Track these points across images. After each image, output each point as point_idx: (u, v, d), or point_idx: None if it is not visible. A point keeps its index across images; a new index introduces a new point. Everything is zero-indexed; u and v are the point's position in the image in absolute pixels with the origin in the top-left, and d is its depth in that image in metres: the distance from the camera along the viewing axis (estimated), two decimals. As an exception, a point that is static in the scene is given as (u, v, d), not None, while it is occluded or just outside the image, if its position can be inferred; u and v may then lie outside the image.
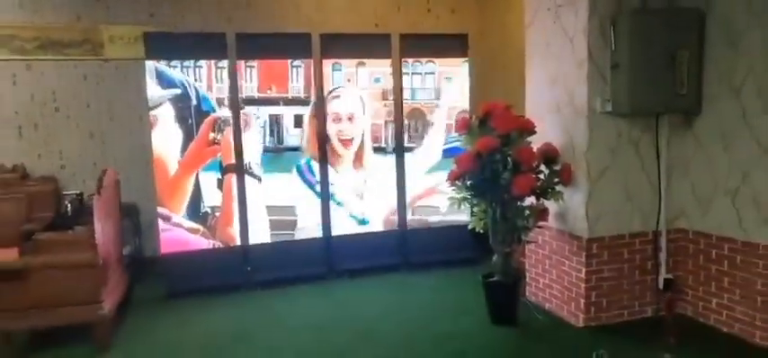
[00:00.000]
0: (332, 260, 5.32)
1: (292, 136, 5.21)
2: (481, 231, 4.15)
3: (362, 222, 5.37)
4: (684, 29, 3.77)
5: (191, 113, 4.91)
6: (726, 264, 3.76)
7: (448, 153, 5.37)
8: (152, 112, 4.81)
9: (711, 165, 3.85)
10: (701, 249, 3.94)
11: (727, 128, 3.72)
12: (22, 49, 5.37)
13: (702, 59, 3.82)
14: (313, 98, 5.22)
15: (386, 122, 5.46)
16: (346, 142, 5.30)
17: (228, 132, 4.98)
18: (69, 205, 5.19)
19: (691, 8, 3.81)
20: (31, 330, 3.93)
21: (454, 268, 5.31)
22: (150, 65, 4.80)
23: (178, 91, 4.86)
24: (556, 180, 3.97)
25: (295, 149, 5.20)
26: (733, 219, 3.70)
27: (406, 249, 5.50)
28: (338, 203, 5.31)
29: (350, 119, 5.30)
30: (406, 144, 5.47)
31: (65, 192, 5.32)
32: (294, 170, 5.20)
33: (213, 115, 4.94)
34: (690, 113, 3.93)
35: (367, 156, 5.37)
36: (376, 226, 5.44)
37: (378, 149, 5.40)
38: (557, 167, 3.98)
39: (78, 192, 5.31)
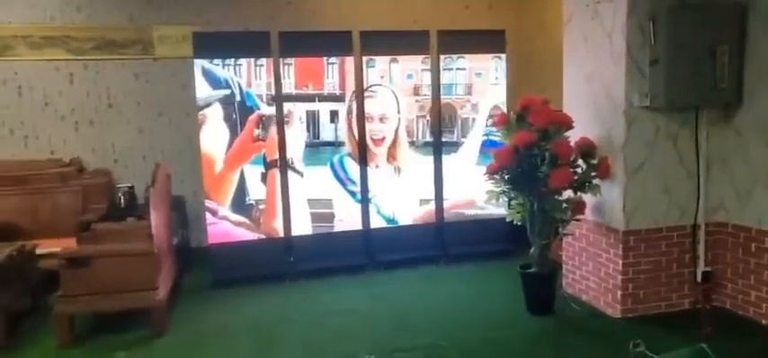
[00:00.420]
0: (371, 251, 5.48)
1: (328, 131, 5.39)
2: (519, 223, 4.25)
3: (391, 221, 5.51)
4: (724, 23, 3.78)
5: (235, 110, 5.13)
6: (765, 258, 3.78)
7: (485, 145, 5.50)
8: (201, 111, 5.04)
9: (751, 158, 3.87)
10: (740, 242, 3.96)
11: (768, 122, 3.74)
12: (79, 50, 5.70)
13: (743, 54, 3.83)
14: (349, 95, 5.39)
15: (417, 117, 5.58)
16: (377, 141, 5.46)
17: (273, 130, 5.19)
18: (122, 197, 5.49)
19: (731, 3, 3.83)
20: (93, 313, 4.19)
21: (491, 260, 5.42)
22: (198, 63, 5.03)
23: (227, 91, 5.08)
24: (593, 174, 4.03)
25: (331, 144, 5.38)
26: (773, 213, 3.72)
27: (443, 242, 5.63)
28: (368, 201, 5.47)
29: (381, 119, 5.45)
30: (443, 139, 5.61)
31: (118, 185, 5.60)
32: (328, 165, 5.38)
33: (257, 112, 5.16)
34: (730, 107, 3.95)
35: (401, 151, 5.50)
36: (411, 220, 5.58)
37: (410, 144, 5.54)
38: (594, 161, 4.04)
39: (130, 184, 5.59)
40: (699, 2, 3.90)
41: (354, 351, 3.65)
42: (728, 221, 4.06)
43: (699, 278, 4.07)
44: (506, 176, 4.12)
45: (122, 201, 5.47)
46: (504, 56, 5.69)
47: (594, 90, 4.19)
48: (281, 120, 5.26)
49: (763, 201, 3.79)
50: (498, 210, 5.32)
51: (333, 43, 5.35)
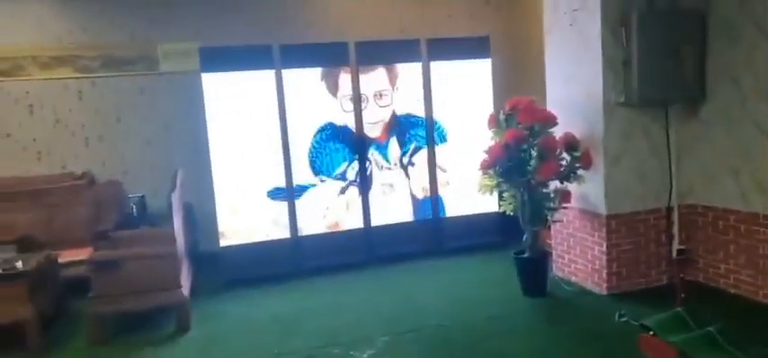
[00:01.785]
0: (372, 248, 5.84)
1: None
2: (511, 214, 4.65)
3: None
4: (688, 27, 4.26)
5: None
6: (732, 233, 4.26)
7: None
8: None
9: (716, 146, 4.34)
10: (710, 221, 4.43)
11: (729, 113, 4.21)
12: (87, 68, 5.98)
13: (705, 54, 4.31)
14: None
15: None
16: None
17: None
18: (134, 207, 5.76)
19: (692, 9, 4.30)
20: (122, 314, 4.43)
21: (484, 251, 5.83)
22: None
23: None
24: (577, 165, 4.43)
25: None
26: (736, 193, 4.19)
27: (439, 236, 6.02)
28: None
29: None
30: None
31: (129, 195, 5.87)
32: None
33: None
34: (695, 102, 4.42)
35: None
36: (407, 216, 5.97)
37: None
38: (577, 154, 4.44)
39: (141, 194, 5.87)
40: (665, 8, 4.36)
41: (369, 334, 4.01)
42: (698, 203, 4.52)
43: (674, 255, 4.53)
44: (499, 170, 4.52)
45: (135, 210, 5.73)
46: (489, 60, 6.11)
47: (575, 90, 4.62)
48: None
49: (726, 183, 4.27)
50: (489, 206, 5.72)
51: (330, 54, 5.70)
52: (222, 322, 4.52)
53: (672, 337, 3.22)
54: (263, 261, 5.54)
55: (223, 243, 5.52)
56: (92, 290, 4.20)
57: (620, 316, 3.87)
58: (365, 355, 3.70)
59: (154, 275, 4.31)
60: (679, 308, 3.55)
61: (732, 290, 4.27)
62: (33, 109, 5.89)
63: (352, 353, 3.74)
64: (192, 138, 6.09)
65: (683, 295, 3.95)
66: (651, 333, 3.37)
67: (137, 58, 6.09)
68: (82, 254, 4.87)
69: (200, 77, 5.38)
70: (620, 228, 4.43)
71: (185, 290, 4.44)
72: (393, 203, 5.92)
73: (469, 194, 5.68)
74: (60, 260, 4.93)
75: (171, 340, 4.21)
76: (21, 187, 5.64)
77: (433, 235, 6.03)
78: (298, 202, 5.65)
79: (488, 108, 5.81)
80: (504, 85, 6.35)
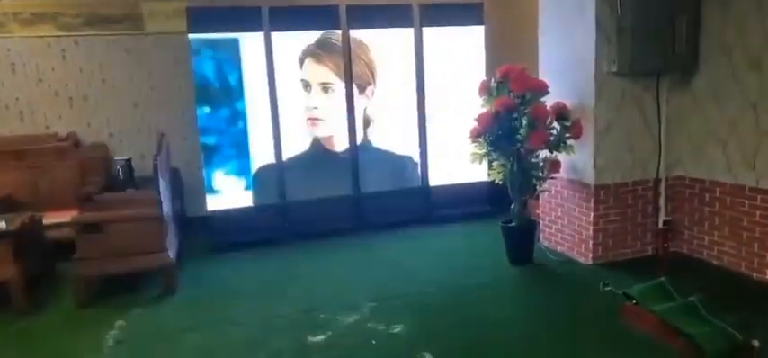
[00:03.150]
0: (361, 215, 5.84)
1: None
2: (500, 183, 4.64)
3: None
4: (682, -4, 4.21)
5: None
6: (717, 205, 4.28)
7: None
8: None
9: (705, 117, 4.33)
10: (696, 193, 4.46)
11: (719, 84, 4.19)
12: (69, 26, 5.82)
13: (699, 24, 4.26)
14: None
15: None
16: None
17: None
18: (120, 170, 5.67)
19: (687, -23, 4.24)
20: (107, 276, 4.39)
21: (473, 221, 5.84)
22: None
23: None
24: (567, 135, 4.41)
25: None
26: (723, 165, 4.20)
27: (428, 205, 6.02)
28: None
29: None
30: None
31: (115, 158, 5.79)
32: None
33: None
34: (688, 72, 4.39)
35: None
36: (400, 184, 5.95)
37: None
38: (568, 123, 4.42)
39: (127, 157, 5.77)
40: (660, -23, 4.29)
41: (355, 300, 4.02)
42: (686, 175, 4.54)
43: (660, 226, 4.56)
44: (489, 139, 4.49)
45: (120, 173, 5.65)
46: (482, 27, 6.02)
47: (568, 58, 4.57)
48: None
49: (714, 155, 4.27)
50: (479, 175, 5.71)
51: (321, 17, 5.59)
52: (209, 286, 4.52)
53: (654, 306, 3.26)
54: (250, 226, 5.52)
55: (211, 208, 5.48)
56: (76, 252, 4.17)
57: (604, 285, 3.90)
58: (351, 320, 3.72)
59: (139, 238, 4.28)
60: (662, 278, 3.59)
61: (715, 262, 4.32)
62: (15, 67, 5.75)
63: (337, 317, 3.76)
64: (179, 101, 6.01)
65: (666, 265, 4.00)
66: (634, 302, 3.42)
67: (121, 16, 5.93)
68: (66, 216, 4.79)
69: (187, 38, 5.27)
70: (608, 199, 4.44)
71: (171, 254, 4.42)
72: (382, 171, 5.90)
73: (458, 164, 5.70)
74: (45, 221, 4.88)
75: (157, 302, 4.21)
76: (3, 147, 5.54)
77: (421, 204, 6.02)
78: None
79: (480, 76, 5.74)
80: (497, 53, 6.25)
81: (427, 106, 5.95)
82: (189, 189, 6.08)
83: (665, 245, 4.41)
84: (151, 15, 5.98)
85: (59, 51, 5.85)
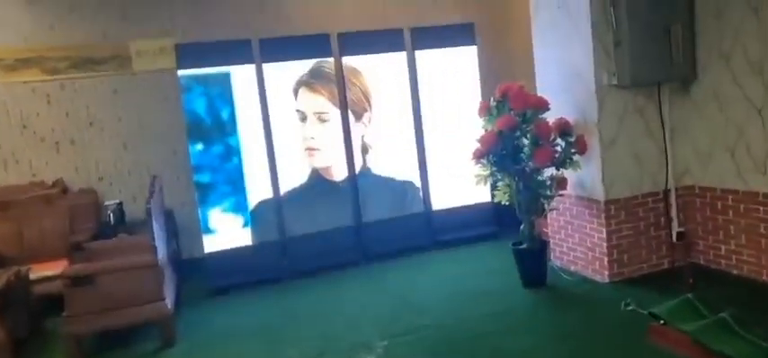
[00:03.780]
0: (363, 246, 5.65)
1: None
2: (507, 204, 4.51)
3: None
4: (676, 5, 4.14)
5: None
6: (731, 213, 4.16)
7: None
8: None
9: (709, 125, 4.24)
10: (707, 202, 4.34)
11: (721, 90, 4.11)
12: (54, 69, 5.66)
13: (694, 31, 4.21)
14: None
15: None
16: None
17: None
18: (111, 214, 5.48)
19: (681, -15, 4.19)
20: (102, 332, 4.14)
21: (479, 243, 5.68)
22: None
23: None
24: (572, 151, 4.30)
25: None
26: (733, 172, 4.10)
27: (432, 230, 5.86)
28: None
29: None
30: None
31: (106, 203, 5.58)
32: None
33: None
34: (686, 80, 4.31)
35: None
36: (402, 210, 5.78)
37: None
38: (572, 139, 4.31)
39: (118, 201, 5.59)
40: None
41: (366, 339, 3.82)
42: (695, 184, 4.43)
43: (674, 238, 4.43)
44: (492, 159, 4.36)
45: (112, 218, 5.45)
46: (474, 47, 5.94)
47: (566, 73, 4.48)
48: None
49: (723, 163, 4.17)
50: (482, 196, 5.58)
51: (312, 46, 5.49)
52: (209, 333, 4.30)
53: (684, 326, 3.11)
54: (250, 266, 5.31)
55: (207, 249, 5.28)
56: (66, 309, 3.90)
57: (626, 304, 3.75)
58: (365, 362, 3.53)
59: (134, 288, 4.04)
60: (689, 295, 3.45)
61: (735, 272, 4.18)
62: (-2, 115, 5.56)
63: (351, 360, 3.56)
64: (170, 140, 5.84)
65: (691, 280, 3.86)
66: (662, 322, 3.26)
67: (108, 57, 5.78)
68: (56, 267, 4.59)
69: (175, 75, 5.13)
70: (619, 214, 4.31)
71: (169, 303, 4.19)
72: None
73: (460, 186, 5.57)
74: (32, 276, 4.64)
75: (156, 356, 3.97)
76: (-13, 199, 5.32)
77: (425, 229, 5.85)
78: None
79: (476, 97, 5.66)
80: (492, 72, 6.19)
81: (425, 129, 5.85)
82: (184, 230, 5.88)
83: (685, 256, 4.26)
84: (139, 54, 5.84)
85: (44, 96, 5.67)
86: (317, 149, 5.53)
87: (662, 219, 4.44)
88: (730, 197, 4.16)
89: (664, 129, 4.37)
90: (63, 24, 5.65)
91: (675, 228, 4.44)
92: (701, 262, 4.43)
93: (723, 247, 4.25)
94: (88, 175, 5.82)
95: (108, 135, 5.86)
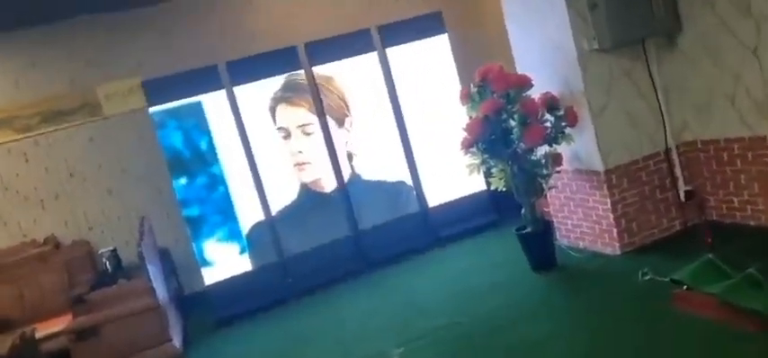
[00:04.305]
0: (363, 254, 5.49)
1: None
2: (504, 190, 4.32)
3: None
4: (652, -44, 3.92)
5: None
6: (739, 163, 3.93)
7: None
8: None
9: (703, 75, 4.01)
10: (712, 155, 4.12)
11: (710, 37, 3.88)
12: (26, 127, 5.52)
13: (674, -19, 3.97)
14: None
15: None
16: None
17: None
18: (107, 262, 5.36)
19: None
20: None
21: (481, 233, 5.51)
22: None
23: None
24: (563, 124, 4.11)
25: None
26: (736, 120, 3.87)
27: (431, 227, 5.67)
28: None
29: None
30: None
31: (100, 251, 5.45)
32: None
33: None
34: (671, 34, 4.08)
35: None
36: (398, 211, 5.61)
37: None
38: (560, 113, 4.12)
39: (112, 247, 5.45)
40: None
41: (382, 348, 3.67)
42: (696, 138, 4.20)
43: (682, 198, 4.23)
44: (482, 146, 4.17)
45: (108, 265, 5.34)
46: (445, 35, 5.72)
47: (544, 47, 4.28)
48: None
49: (723, 112, 3.94)
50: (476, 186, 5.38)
51: (281, 61, 5.32)
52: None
53: (709, 288, 2.91)
54: (252, 291, 5.17)
55: (208, 281, 5.15)
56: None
57: (643, 274, 3.56)
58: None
59: (139, 334, 4.04)
60: (709, 255, 3.24)
61: (752, 223, 3.95)
62: (-24, 181, 5.44)
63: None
64: (153, 178, 5.69)
65: (709, 240, 3.63)
66: (685, 287, 3.07)
67: (78, 106, 5.62)
68: (59, 323, 4.53)
69: (147, 113, 4.97)
70: (622, 181, 4.11)
71: (176, 342, 4.11)
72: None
73: (454, 178, 5.38)
74: (37, 335, 4.54)
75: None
76: (-19, 266, 5.22)
77: (423, 228, 5.67)
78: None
79: (455, 85, 5.46)
80: (467, 58, 5.90)
81: (408, 126, 5.66)
82: (182, 266, 5.75)
83: (703, 217, 4.05)
84: (107, 98, 5.67)
85: (21, 155, 5.54)
86: (307, 163, 5.40)
87: (666, 181, 4.23)
88: (736, 146, 3.93)
89: (655, 87, 4.16)
90: (27, 79, 5.51)
91: (682, 188, 4.23)
92: (715, 218, 4.21)
93: (736, 199, 4.03)
94: (78, 227, 5.69)
95: (91, 184, 5.72)
